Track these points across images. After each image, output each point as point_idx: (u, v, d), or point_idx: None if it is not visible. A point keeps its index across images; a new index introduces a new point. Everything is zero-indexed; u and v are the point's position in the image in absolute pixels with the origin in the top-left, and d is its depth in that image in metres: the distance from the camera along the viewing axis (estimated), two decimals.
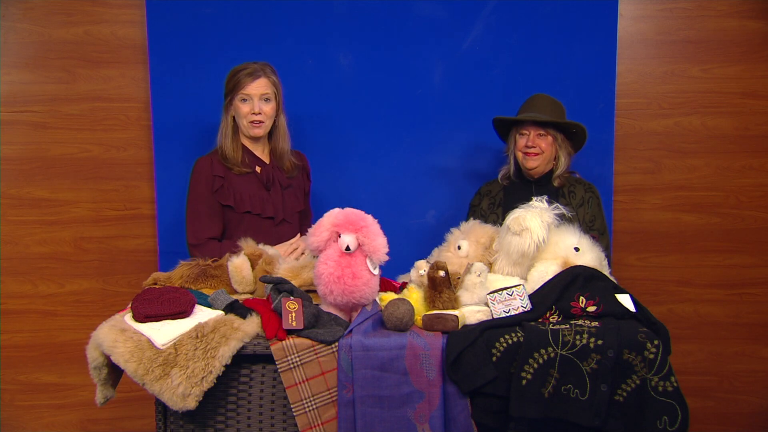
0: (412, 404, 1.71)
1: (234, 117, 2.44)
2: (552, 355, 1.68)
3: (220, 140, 2.45)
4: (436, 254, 2.20)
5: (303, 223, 2.59)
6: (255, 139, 2.47)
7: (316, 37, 2.80)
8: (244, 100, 2.39)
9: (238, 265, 2.09)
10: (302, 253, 2.40)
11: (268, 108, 2.42)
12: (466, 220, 2.55)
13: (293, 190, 2.55)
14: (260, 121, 2.41)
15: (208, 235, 2.38)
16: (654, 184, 2.95)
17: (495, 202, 2.56)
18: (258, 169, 2.46)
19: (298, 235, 2.51)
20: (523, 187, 2.53)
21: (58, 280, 2.92)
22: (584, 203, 2.46)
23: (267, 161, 2.51)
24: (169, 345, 1.70)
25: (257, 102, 2.39)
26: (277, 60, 2.67)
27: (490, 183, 2.65)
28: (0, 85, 2.82)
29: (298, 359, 1.71)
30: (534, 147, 2.47)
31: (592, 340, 1.68)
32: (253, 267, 2.11)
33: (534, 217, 1.93)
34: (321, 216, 1.86)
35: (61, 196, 2.89)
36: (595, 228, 2.42)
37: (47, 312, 2.93)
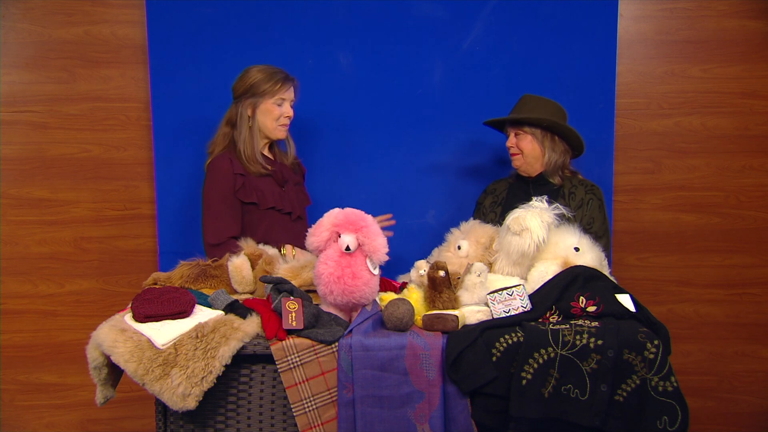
0: (412, 404, 1.71)
1: (255, 117, 2.45)
2: (552, 355, 1.68)
3: (243, 144, 2.43)
4: (436, 254, 2.20)
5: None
6: (268, 139, 2.50)
7: (316, 37, 2.80)
8: (280, 103, 2.44)
9: (238, 265, 2.09)
10: None
11: (293, 112, 2.50)
12: (472, 216, 2.56)
13: (300, 187, 2.60)
14: (287, 125, 2.49)
15: (230, 234, 2.36)
16: (654, 184, 2.95)
17: (497, 200, 2.57)
18: (269, 167, 2.48)
19: None
20: (523, 187, 2.54)
21: (58, 280, 2.93)
22: (583, 205, 2.45)
23: (272, 158, 2.54)
24: (169, 345, 1.70)
25: (289, 106, 2.46)
26: (277, 60, 2.67)
27: (498, 181, 2.66)
28: (0, 85, 2.82)
29: (298, 359, 1.71)
30: (513, 147, 2.50)
31: (592, 340, 1.68)
32: (253, 267, 2.11)
33: (534, 217, 1.94)
34: (321, 216, 1.86)
35: (61, 196, 2.89)
36: (593, 230, 2.40)
37: (47, 312, 2.93)
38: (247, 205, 2.41)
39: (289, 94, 2.46)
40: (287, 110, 2.46)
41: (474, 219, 2.34)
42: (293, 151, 2.59)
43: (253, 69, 2.44)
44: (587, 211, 2.44)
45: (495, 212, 2.53)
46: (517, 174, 2.57)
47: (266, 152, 2.53)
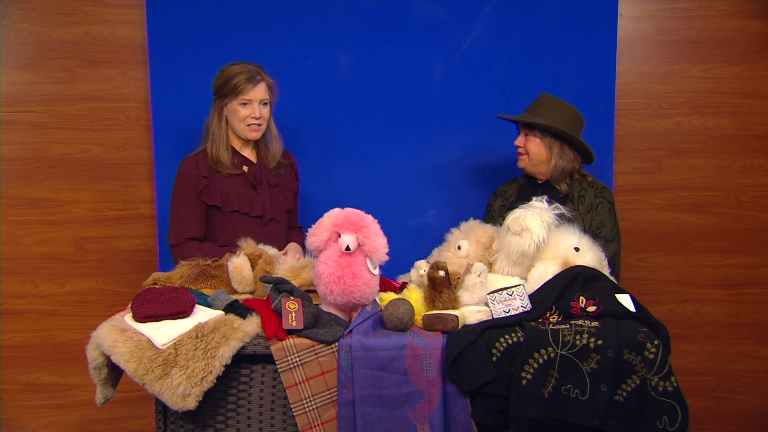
0: (412, 404, 1.71)
1: (226, 118, 2.44)
2: (552, 355, 1.68)
3: (211, 143, 2.43)
4: (436, 254, 2.20)
5: (290, 222, 2.60)
6: (246, 140, 2.47)
7: (316, 37, 2.80)
8: (245, 104, 2.39)
9: (238, 265, 2.09)
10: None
11: (266, 111, 2.45)
12: (483, 219, 2.54)
13: (281, 189, 2.54)
14: (259, 125, 2.44)
15: (188, 235, 2.37)
16: (654, 184, 2.95)
17: (507, 204, 2.54)
18: (245, 168, 2.46)
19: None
20: (533, 190, 2.49)
21: (58, 280, 2.92)
22: (592, 209, 2.40)
23: (254, 160, 2.50)
24: (169, 345, 1.70)
25: (257, 106, 2.41)
26: (276, 60, 2.68)
27: (508, 183, 2.63)
28: (0, 85, 2.82)
29: (298, 359, 1.71)
30: (521, 147, 2.47)
31: (592, 340, 1.68)
32: (253, 267, 2.11)
33: (534, 217, 1.94)
34: (321, 216, 1.86)
35: (61, 196, 2.89)
36: (602, 235, 2.36)
37: (47, 312, 2.93)
38: (212, 208, 2.40)
39: (256, 94, 2.39)
40: (255, 111, 2.40)
41: (485, 222, 2.33)
42: (276, 150, 2.52)
43: (228, 67, 2.42)
44: (596, 215, 2.40)
45: (504, 216, 2.49)
46: (528, 175, 2.55)
47: (247, 152, 2.50)
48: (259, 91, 2.40)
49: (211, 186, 2.39)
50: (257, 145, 2.53)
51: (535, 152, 2.43)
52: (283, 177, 2.57)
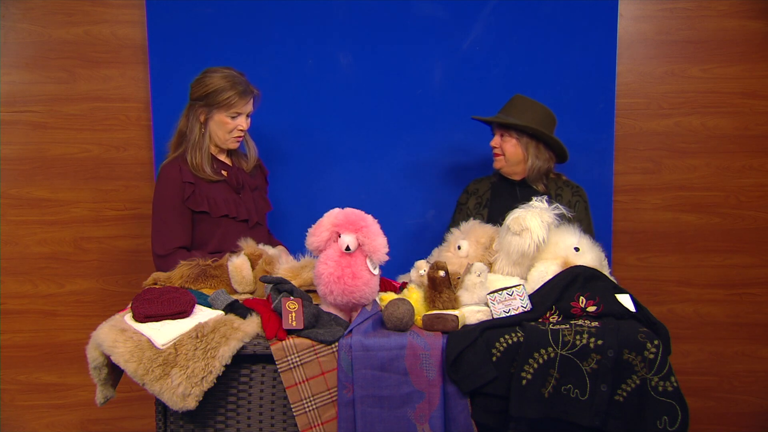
0: (412, 404, 1.71)
1: (207, 125, 2.39)
2: (552, 355, 1.68)
3: (192, 150, 2.36)
4: (436, 254, 2.20)
5: None
6: (220, 148, 2.44)
7: (316, 37, 2.80)
8: (234, 116, 2.36)
9: (238, 265, 2.09)
10: None
11: (249, 122, 2.43)
12: (452, 216, 2.54)
13: (260, 192, 2.54)
14: (242, 136, 2.42)
15: (177, 244, 2.28)
16: (654, 184, 2.95)
17: (482, 202, 2.55)
18: (224, 173, 2.43)
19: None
20: (508, 189, 2.52)
21: (58, 280, 2.93)
22: (570, 207, 2.42)
23: (230, 164, 2.48)
24: (169, 345, 1.70)
25: (245, 119, 2.39)
26: (276, 60, 2.68)
27: (478, 181, 2.64)
28: (0, 85, 2.82)
29: (298, 359, 1.71)
30: (497, 147, 2.48)
31: (592, 340, 1.68)
32: (253, 267, 2.11)
33: (534, 217, 1.94)
34: (321, 216, 1.86)
35: (61, 196, 2.89)
36: None
37: (47, 312, 2.93)
38: (199, 214, 2.34)
39: (247, 107, 2.37)
40: (242, 123, 2.38)
41: (454, 219, 2.32)
42: (254, 155, 2.51)
43: (214, 74, 2.35)
44: (575, 213, 2.42)
45: (481, 214, 2.50)
46: (501, 174, 2.55)
47: (223, 157, 2.46)
48: (249, 105, 2.38)
49: (197, 192, 2.33)
50: (230, 150, 2.49)
51: (512, 153, 2.45)
52: (257, 180, 2.55)
